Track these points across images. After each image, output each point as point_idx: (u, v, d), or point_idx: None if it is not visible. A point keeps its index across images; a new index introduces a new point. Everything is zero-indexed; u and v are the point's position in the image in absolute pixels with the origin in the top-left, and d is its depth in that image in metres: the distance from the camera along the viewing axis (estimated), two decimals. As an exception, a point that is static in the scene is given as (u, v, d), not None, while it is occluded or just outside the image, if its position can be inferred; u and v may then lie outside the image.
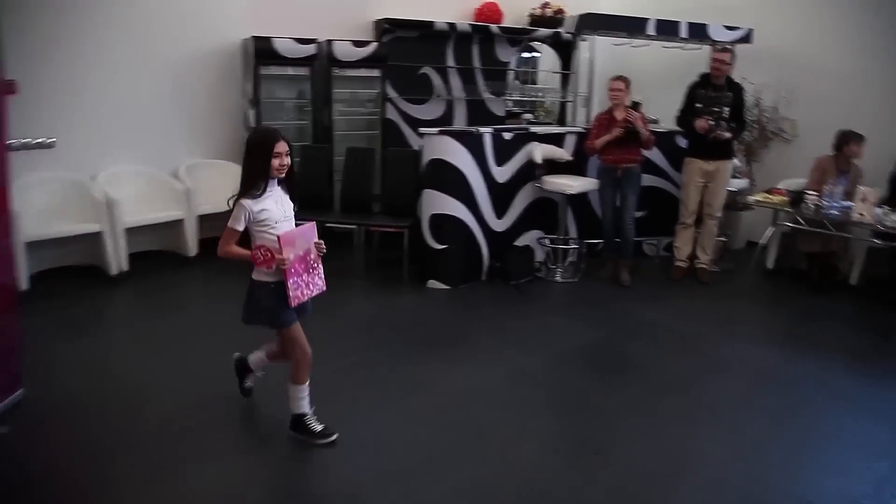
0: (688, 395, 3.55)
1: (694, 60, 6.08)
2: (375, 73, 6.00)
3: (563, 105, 7.25)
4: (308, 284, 2.78)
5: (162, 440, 2.90)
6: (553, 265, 5.43)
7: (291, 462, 2.85)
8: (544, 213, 5.51)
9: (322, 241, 2.81)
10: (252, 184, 2.66)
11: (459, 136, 4.96)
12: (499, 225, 5.27)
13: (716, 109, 5.10)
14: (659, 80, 6.40)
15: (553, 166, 5.37)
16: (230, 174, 5.56)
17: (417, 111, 6.33)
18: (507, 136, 5.24)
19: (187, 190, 5.19)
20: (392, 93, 6.15)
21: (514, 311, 4.65)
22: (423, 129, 5.12)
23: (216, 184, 5.46)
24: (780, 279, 5.62)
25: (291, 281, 2.68)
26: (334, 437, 2.92)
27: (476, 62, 6.59)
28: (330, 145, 5.74)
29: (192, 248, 5.28)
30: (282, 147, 2.66)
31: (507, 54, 6.78)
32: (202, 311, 4.56)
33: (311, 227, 2.79)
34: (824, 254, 5.30)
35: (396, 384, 3.49)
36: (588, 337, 4.25)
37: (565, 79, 7.15)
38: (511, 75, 7.02)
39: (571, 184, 5.17)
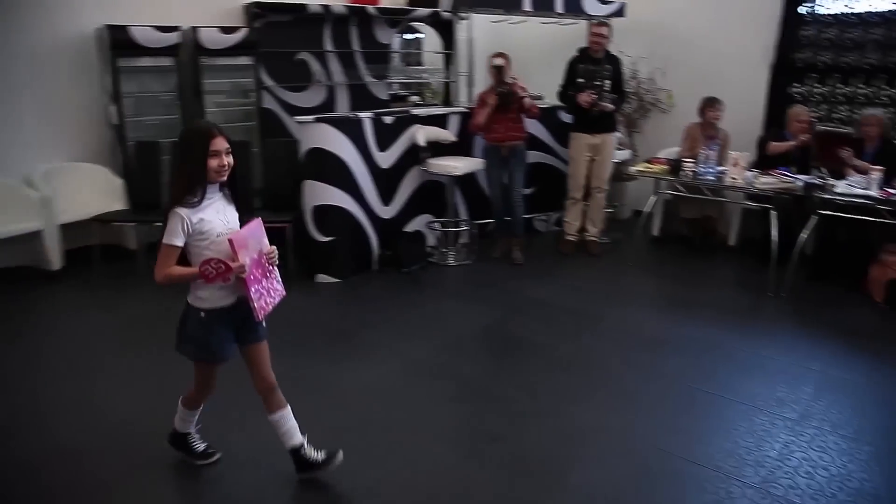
0: (582, 369, 3.57)
1: (572, 35, 6.13)
2: (248, 60, 5.69)
3: (447, 86, 7.17)
4: (269, 291, 2.42)
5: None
6: (445, 249, 5.36)
7: (176, 478, 2.65)
8: (432, 196, 5.42)
9: (274, 247, 2.43)
10: (187, 190, 2.25)
11: (337, 123, 4.77)
12: (386, 212, 5.14)
13: (597, 83, 5.16)
14: (539, 57, 6.42)
15: (438, 148, 5.28)
16: (95, 178, 5.19)
17: (297, 99, 6.06)
18: (388, 120, 5.09)
19: (44, 198, 4.75)
20: (268, 81, 5.86)
21: (408, 300, 4.55)
22: (298, 118, 4.90)
23: (79, 190, 5.04)
24: (664, 245, 5.81)
25: (253, 290, 2.30)
26: (216, 457, 2.73)
27: (355, 45, 6.38)
28: (203, 140, 5.40)
29: (56, 262, 4.85)
30: (220, 144, 2.25)
31: (387, 36, 6.60)
32: (70, 331, 4.19)
33: (258, 225, 2.38)
34: (704, 218, 5.52)
35: (288, 386, 3.29)
36: (482, 320, 4.21)
37: (448, 59, 7.06)
38: (394, 57, 6.86)
39: (457, 165, 5.10)
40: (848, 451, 2.85)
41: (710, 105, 5.33)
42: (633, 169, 5.53)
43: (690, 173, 4.97)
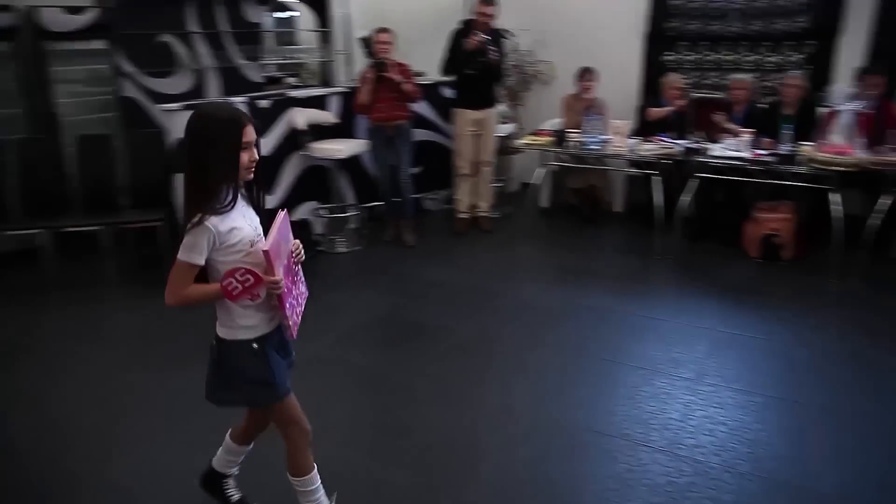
0: (484, 350, 3.51)
1: (451, 7, 6.01)
2: (102, 45, 5.18)
3: (324, 65, 6.89)
4: (298, 298, 2.03)
5: None
6: (333, 236, 5.14)
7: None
8: (317, 182, 5.18)
9: (297, 241, 2.06)
10: (214, 193, 1.81)
11: (207, 110, 4.43)
12: (268, 201, 4.83)
13: (481, 59, 5.07)
14: (418, 31, 6.26)
15: (320, 131, 5.03)
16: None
17: (162, 85, 5.59)
18: (264, 103, 4.80)
19: None
20: (128, 67, 5.36)
21: (299, 292, 4.32)
22: (163, 106, 4.51)
23: None
24: (554, 216, 5.86)
25: (287, 305, 1.92)
26: None
27: (223, 25, 5.96)
28: (55, 135, 4.88)
29: None
30: (251, 134, 1.84)
31: (257, 15, 6.21)
32: None
33: (285, 220, 1.96)
34: (590, 188, 5.61)
35: (178, 405, 3.04)
36: (378, 307, 4.06)
37: (324, 37, 6.77)
38: (266, 37, 6.49)
39: (341, 148, 4.89)
40: (743, 404, 2.95)
41: (583, 75, 5.42)
42: (519, 142, 5.52)
43: (576, 144, 5.02)
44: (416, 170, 5.45)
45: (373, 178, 5.35)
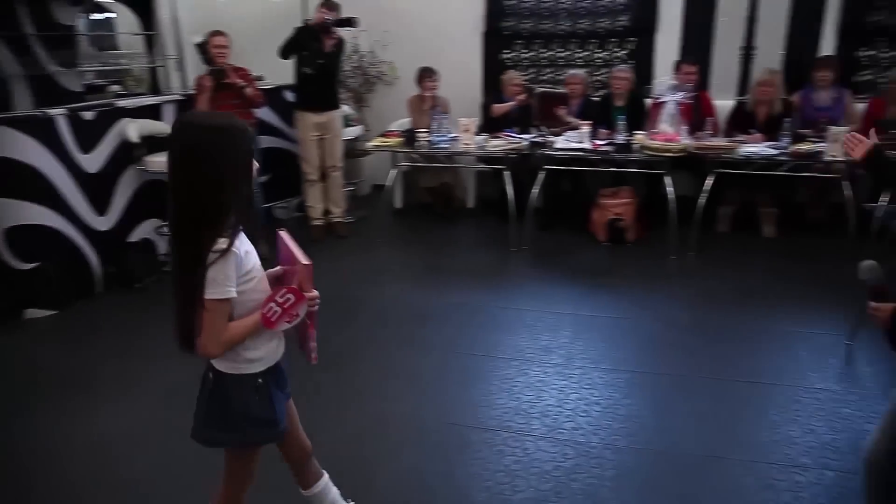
0: (356, 359, 3.42)
1: (287, 11, 5.81)
2: None
3: (153, 71, 6.40)
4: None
5: None
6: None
7: None
8: (156, 198, 4.78)
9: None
10: (228, 212, 1.57)
11: (20, 124, 3.96)
12: (103, 223, 4.42)
13: (320, 61, 4.94)
14: (254, 35, 5.99)
15: (155, 143, 4.66)
16: None
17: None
18: (89, 115, 4.36)
19: None
20: (-89, 79, 4.66)
21: (149, 319, 3.96)
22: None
23: None
24: (409, 217, 5.88)
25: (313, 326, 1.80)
26: None
27: (28, 28, 5.35)
28: None
29: None
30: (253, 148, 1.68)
31: (69, 16, 5.64)
32: None
33: (289, 239, 1.87)
34: (442, 186, 5.67)
35: (28, 457, 2.67)
36: (239, 325, 3.84)
37: (150, 41, 6.28)
38: (81, 41, 5.90)
39: (181, 160, 4.56)
40: (611, 383, 3.12)
41: (424, 76, 5.48)
42: (368, 144, 5.46)
43: (425, 143, 5.05)
44: (263, 178, 5.22)
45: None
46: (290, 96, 5.43)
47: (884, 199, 4.47)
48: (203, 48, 4.59)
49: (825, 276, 4.40)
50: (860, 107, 5.28)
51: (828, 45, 5.61)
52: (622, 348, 3.45)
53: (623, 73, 5.25)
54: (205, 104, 4.54)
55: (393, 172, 5.39)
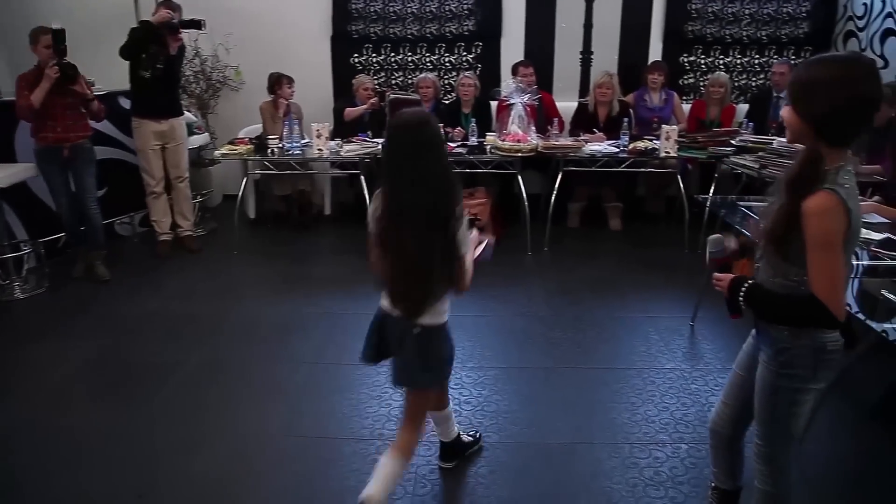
0: (217, 379, 3.21)
1: (121, 11, 5.37)
2: None
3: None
4: None
5: None
6: (7, 281, 4.29)
7: None
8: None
9: None
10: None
11: None
12: None
13: (159, 66, 4.60)
14: (86, 34, 5.48)
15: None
16: None
17: None
18: None
19: None
20: None
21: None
22: None
23: None
24: (264, 227, 5.65)
25: None
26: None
27: None
28: None
29: None
30: None
31: None
32: None
33: None
34: (297, 193, 5.51)
35: None
36: (83, 354, 3.47)
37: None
38: None
39: (-1, 175, 4.08)
40: (479, 381, 3.15)
41: (278, 83, 5.31)
42: (216, 152, 5.17)
43: (276, 150, 4.88)
44: (101, 192, 4.81)
45: (50, 207, 4.57)
46: (126, 103, 5.03)
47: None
48: (60, 37, 4.03)
49: (667, 263, 4.75)
50: (687, 107, 5.77)
51: (655, 51, 6.08)
52: (487, 346, 3.51)
53: (468, 80, 5.37)
54: (37, 99, 4.04)
55: (243, 181, 5.14)
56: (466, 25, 5.96)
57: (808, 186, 1.58)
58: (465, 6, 5.90)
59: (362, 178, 4.85)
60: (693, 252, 4.92)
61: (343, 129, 5.30)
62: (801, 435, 1.83)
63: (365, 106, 5.29)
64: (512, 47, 6.01)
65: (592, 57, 6.07)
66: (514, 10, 5.94)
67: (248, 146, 5.00)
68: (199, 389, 3.12)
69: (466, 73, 5.52)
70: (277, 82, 5.30)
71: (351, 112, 5.31)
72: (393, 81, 6.12)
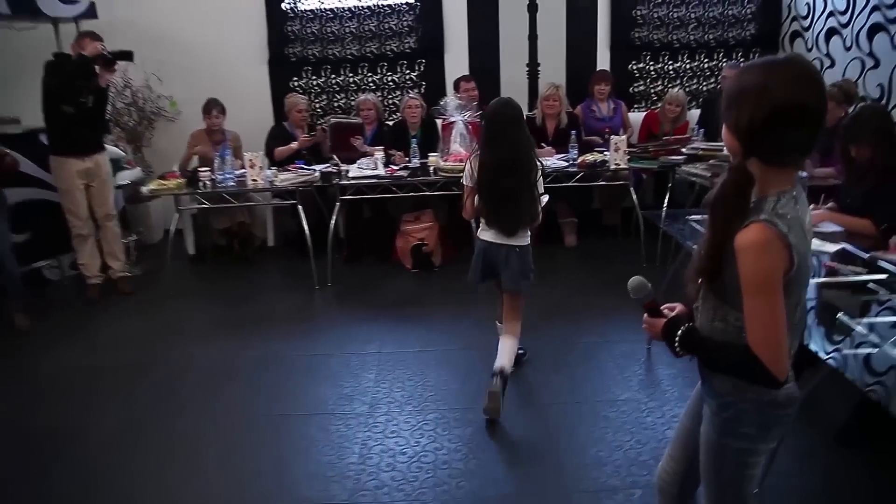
0: (139, 441, 2.89)
1: (39, 40, 5.07)
2: None
3: None
4: None
5: None
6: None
7: None
8: None
9: None
10: None
11: None
12: None
13: (82, 100, 4.32)
14: (6, 69, 5.18)
15: None
16: None
17: None
18: None
19: None
20: None
21: None
22: None
23: None
24: (204, 262, 5.35)
25: None
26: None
27: None
28: None
29: None
30: None
31: None
32: None
33: None
34: (238, 225, 5.23)
35: None
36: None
37: None
38: None
39: None
40: (417, 426, 2.89)
41: (205, 109, 5.04)
42: (143, 188, 4.86)
43: (209, 182, 4.61)
44: (21, 237, 4.50)
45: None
46: (45, 139, 4.72)
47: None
48: None
49: (624, 279, 4.49)
50: (636, 116, 5.62)
51: (603, 60, 5.92)
52: (430, 385, 3.25)
53: (414, 101, 5.14)
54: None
55: (177, 217, 4.85)
56: (408, 42, 5.76)
57: (736, 215, 1.35)
58: (406, 23, 5.70)
59: (300, 207, 4.58)
60: (651, 265, 4.74)
61: (280, 158, 5.05)
62: (753, 496, 1.58)
63: (295, 145, 5.01)
64: (456, 62, 5.82)
65: (539, 69, 5.90)
66: (456, 25, 5.76)
67: (180, 180, 4.72)
68: (117, 451, 2.82)
69: (411, 95, 5.29)
70: (205, 109, 5.03)
71: (282, 153, 5.05)
72: (335, 104, 5.88)
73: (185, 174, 4.77)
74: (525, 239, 2.95)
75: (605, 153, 4.75)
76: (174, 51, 5.72)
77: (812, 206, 2.86)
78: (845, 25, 5.19)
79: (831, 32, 5.35)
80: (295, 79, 5.83)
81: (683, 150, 4.62)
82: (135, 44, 5.51)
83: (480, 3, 5.73)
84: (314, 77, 5.83)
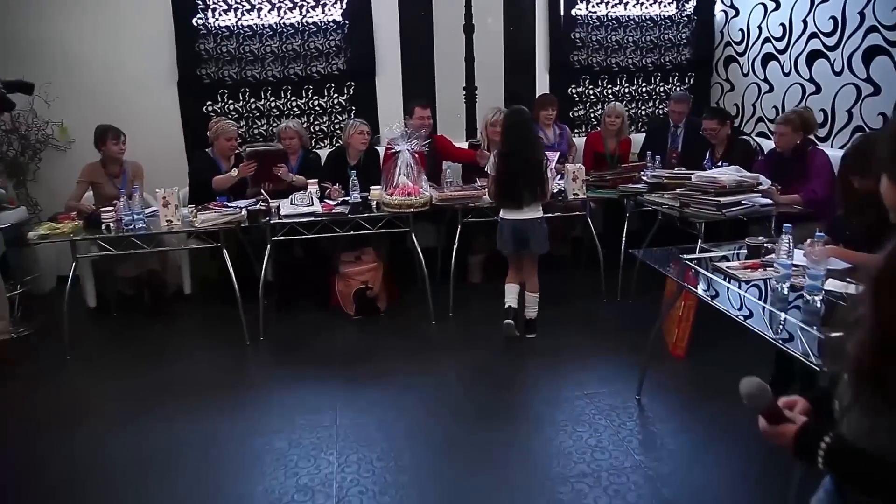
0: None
1: None
2: None
3: None
4: None
5: None
6: None
7: None
8: None
9: None
10: None
11: None
12: None
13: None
14: None
15: None
16: None
17: None
18: None
19: None
20: None
21: None
22: None
23: None
24: (108, 316, 4.59)
25: None
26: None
27: None
28: None
29: None
30: None
31: None
32: None
33: None
34: (149, 273, 4.52)
35: None
36: None
37: None
38: None
39: None
40: (399, 524, 2.40)
41: (101, 138, 4.34)
42: (30, 234, 4.06)
43: (114, 225, 3.93)
44: None
45: None
46: None
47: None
48: None
49: (589, 317, 4.26)
50: (577, 141, 5.38)
51: (542, 83, 5.66)
52: (404, 467, 2.74)
53: (364, 128, 4.60)
54: None
55: (73, 266, 4.07)
56: (336, 64, 5.26)
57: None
58: (333, 42, 5.20)
59: (224, 251, 3.97)
60: (611, 301, 4.45)
61: (198, 194, 4.40)
62: None
63: (235, 172, 4.35)
64: (389, 85, 5.39)
65: (477, 92, 5.56)
66: (388, 45, 5.33)
67: (76, 223, 4.01)
68: None
69: (360, 120, 4.69)
70: (101, 137, 4.33)
71: (221, 182, 4.38)
72: (256, 131, 5.29)
73: (84, 216, 4.05)
74: (539, 212, 3.73)
75: (559, 181, 4.46)
76: (64, 69, 4.96)
77: (808, 242, 2.60)
78: (782, 51, 5.16)
79: (768, 58, 5.32)
80: (209, 103, 5.18)
81: (644, 177, 4.37)
82: (17, 60, 4.80)
83: (414, 23, 5.33)
84: (231, 101, 5.21)
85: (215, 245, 4.00)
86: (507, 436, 2.92)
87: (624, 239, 4.44)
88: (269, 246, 4.03)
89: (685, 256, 2.98)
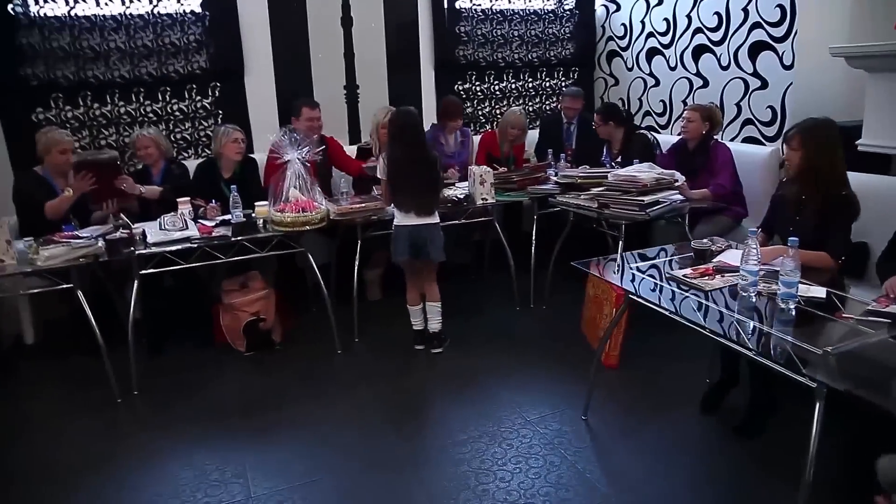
0: None
1: None
2: None
3: None
4: None
5: None
6: None
7: None
8: None
9: None
10: None
11: None
12: None
13: None
14: None
15: None
16: None
17: None
18: None
19: None
20: None
21: None
22: None
23: None
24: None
25: None
26: None
27: None
28: None
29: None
30: None
31: None
32: None
33: None
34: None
35: None
36: None
37: None
38: None
39: None
40: None
41: None
42: None
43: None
44: None
45: None
46: None
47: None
48: None
49: (506, 331, 3.95)
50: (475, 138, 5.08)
51: (428, 80, 5.31)
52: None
53: (239, 134, 3.97)
54: None
55: None
56: (197, 61, 4.57)
57: None
58: (193, 36, 4.50)
59: (79, 292, 3.23)
60: (524, 308, 4.19)
61: (33, 224, 3.57)
62: None
63: (69, 193, 3.57)
64: (260, 85, 4.78)
65: (359, 91, 5.09)
66: (257, 41, 4.71)
67: None
68: None
69: (232, 126, 4.02)
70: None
71: (54, 208, 3.58)
72: (102, 140, 4.47)
73: None
74: (436, 217, 3.49)
75: (461, 186, 4.13)
76: None
77: (749, 241, 2.43)
78: (667, 46, 5.15)
79: (653, 52, 5.30)
80: (40, 109, 4.29)
81: (554, 178, 4.13)
82: None
83: (285, 15, 4.76)
84: (69, 107, 4.35)
85: (65, 286, 3.24)
86: (456, 486, 2.52)
87: (534, 242, 4.19)
88: (135, 283, 3.34)
89: (633, 266, 2.72)
